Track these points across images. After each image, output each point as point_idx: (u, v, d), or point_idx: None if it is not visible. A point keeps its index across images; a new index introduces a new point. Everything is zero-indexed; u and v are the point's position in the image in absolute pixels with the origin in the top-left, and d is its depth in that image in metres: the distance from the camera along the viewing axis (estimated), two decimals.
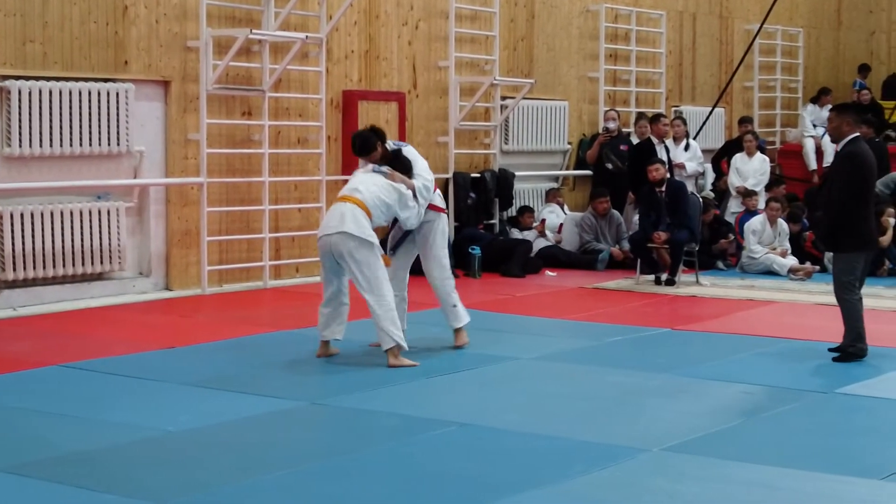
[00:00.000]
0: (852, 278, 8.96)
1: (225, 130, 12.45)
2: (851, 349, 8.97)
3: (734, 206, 15.91)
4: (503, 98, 15.39)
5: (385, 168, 9.00)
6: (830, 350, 9.12)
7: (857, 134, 8.94)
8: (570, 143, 16.56)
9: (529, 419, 7.22)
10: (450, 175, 14.72)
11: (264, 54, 12.62)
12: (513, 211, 15.51)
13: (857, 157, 8.89)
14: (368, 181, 8.91)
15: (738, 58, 18.36)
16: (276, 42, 12.68)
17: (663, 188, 13.37)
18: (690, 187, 14.59)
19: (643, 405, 7.65)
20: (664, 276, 13.24)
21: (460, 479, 6.04)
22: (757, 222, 14.55)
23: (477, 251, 13.84)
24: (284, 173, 13.00)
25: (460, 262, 13.97)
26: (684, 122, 16.04)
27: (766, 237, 14.50)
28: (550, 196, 16.00)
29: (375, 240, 8.73)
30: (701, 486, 5.97)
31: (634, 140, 15.41)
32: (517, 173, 15.48)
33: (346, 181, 13.49)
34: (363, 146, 9.16)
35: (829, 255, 13.69)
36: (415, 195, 8.98)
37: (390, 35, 14.13)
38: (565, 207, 15.90)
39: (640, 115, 15.65)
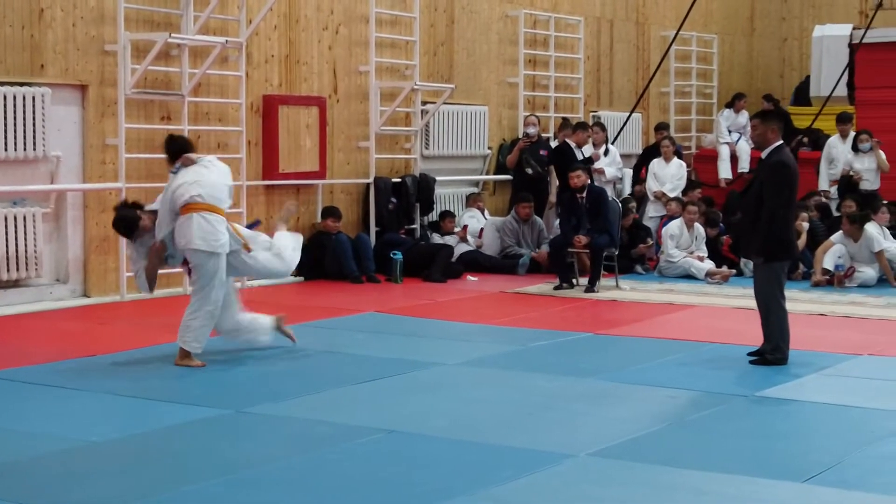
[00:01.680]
0: (779, 285, 9.11)
1: (144, 135, 12.32)
2: (770, 357, 9.10)
3: (652, 211, 16.11)
4: (423, 103, 15.41)
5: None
6: (749, 354, 9.26)
7: (782, 142, 9.10)
8: (490, 148, 16.63)
9: (455, 425, 7.23)
10: (371, 180, 14.71)
11: (183, 58, 12.51)
12: (434, 216, 15.54)
13: (787, 167, 9.02)
14: (216, 181, 9.00)
15: (655, 63, 18.60)
16: (196, 46, 12.57)
17: (584, 194, 13.48)
18: (609, 192, 14.74)
19: (568, 410, 7.70)
20: (577, 281, 13.35)
21: (388, 486, 6.03)
22: (674, 226, 14.74)
23: (398, 256, 13.85)
24: None
25: (382, 267, 13.99)
26: (603, 128, 16.20)
27: (683, 241, 14.69)
28: (471, 201, 16.06)
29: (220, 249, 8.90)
30: (627, 490, 6.02)
31: (554, 145, 15.56)
32: (438, 178, 15.52)
33: (267, 187, 13.63)
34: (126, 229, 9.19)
35: (745, 260, 13.92)
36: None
37: (311, 39, 14.08)
38: (486, 212, 15.97)
39: (564, 123, 15.77)
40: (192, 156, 9.06)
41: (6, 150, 11.09)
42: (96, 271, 11.95)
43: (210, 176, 8.92)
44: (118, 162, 11.96)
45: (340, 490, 5.96)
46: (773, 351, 9.10)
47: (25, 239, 11.27)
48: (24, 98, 11.18)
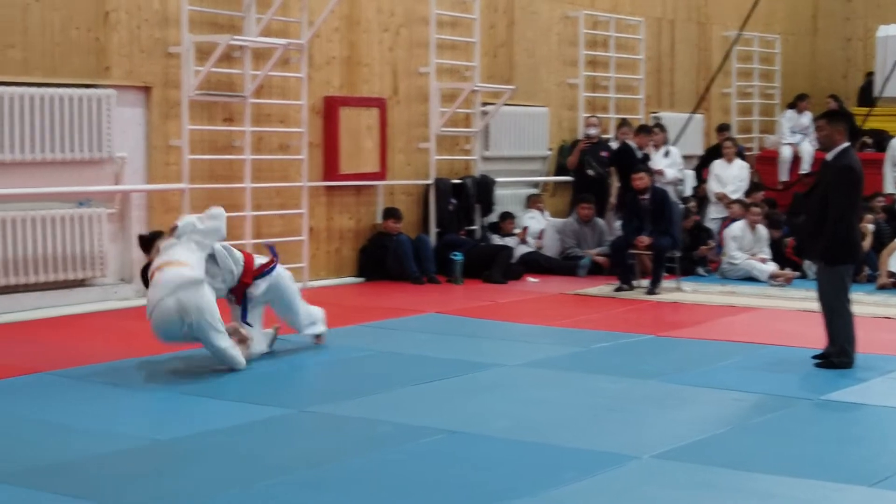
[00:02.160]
0: (844, 288, 8.99)
1: (207, 136, 12.41)
2: (836, 360, 8.99)
3: (714, 212, 15.99)
4: (484, 104, 15.40)
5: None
6: (814, 357, 9.15)
7: (848, 143, 8.98)
8: (550, 149, 16.59)
9: (517, 426, 7.21)
10: (431, 181, 14.73)
11: (246, 60, 12.60)
12: (494, 217, 15.52)
13: (853, 170, 8.88)
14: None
15: (716, 64, 18.45)
16: (258, 48, 12.65)
17: (647, 195, 13.41)
18: (670, 193, 14.65)
19: (632, 412, 7.66)
20: (637, 283, 13.26)
21: (451, 487, 6.02)
22: (737, 228, 14.63)
23: (459, 257, 13.85)
24: (266, 179, 12.96)
25: (442, 268, 14.00)
26: (663, 129, 16.12)
27: (746, 243, 14.57)
28: (531, 202, 16.04)
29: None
30: (692, 493, 5.97)
31: (615, 146, 15.50)
32: (498, 179, 15.50)
33: (327, 188, 13.69)
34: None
35: (808, 262, 13.77)
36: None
37: (371, 41, 14.12)
38: (546, 213, 15.93)
39: (622, 122, 15.76)
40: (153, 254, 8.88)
41: (72, 151, 11.22)
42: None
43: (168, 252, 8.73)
44: (181, 163, 12.06)
45: (402, 490, 5.96)
46: (839, 354, 8.99)
47: (91, 239, 11.39)
48: (89, 100, 11.30)
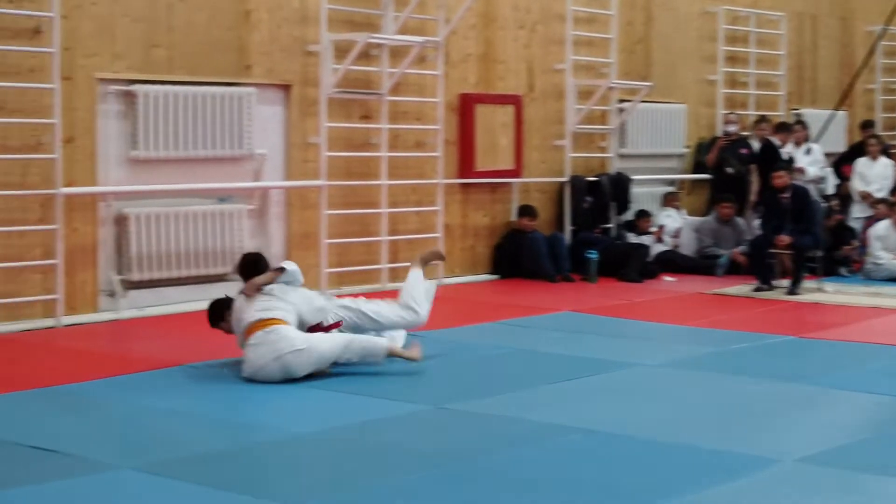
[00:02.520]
0: None
1: (344, 134, 12.53)
2: None
3: (857, 212, 15.60)
4: (620, 101, 15.27)
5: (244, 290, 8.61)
6: None
7: None
8: (687, 147, 16.37)
9: (656, 426, 7.11)
10: (566, 179, 14.65)
11: (383, 58, 12.68)
12: (629, 215, 15.37)
13: None
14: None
15: (860, 59, 17.98)
16: (395, 46, 12.72)
17: (787, 194, 13.13)
18: (811, 192, 14.35)
19: (773, 414, 7.49)
20: (776, 283, 12.99)
21: (589, 485, 5.96)
22: (882, 227, 14.26)
23: (594, 255, 13.74)
24: (402, 176, 13.03)
25: (577, 266, 13.91)
26: (804, 126, 15.79)
27: (891, 243, 14.18)
28: (668, 200, 15.85)
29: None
30: (839, 499, 5.81)
31: (754, 143, 15.23)
32: (634, 177, 15.34)
33: (462, 185, 13.70)
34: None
35: None
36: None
37: (507, 38, 14.10)
38: (683, 212, 15.73)
39: (760, 119, 15.50)
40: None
41: (214, 148, 11.43)
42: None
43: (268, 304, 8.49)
44: (319, 160, 12.19)
45: (539, 488, 5.92)
46: None
47: (231, 235, 11.58)
48: (230, 98, 11.50)
